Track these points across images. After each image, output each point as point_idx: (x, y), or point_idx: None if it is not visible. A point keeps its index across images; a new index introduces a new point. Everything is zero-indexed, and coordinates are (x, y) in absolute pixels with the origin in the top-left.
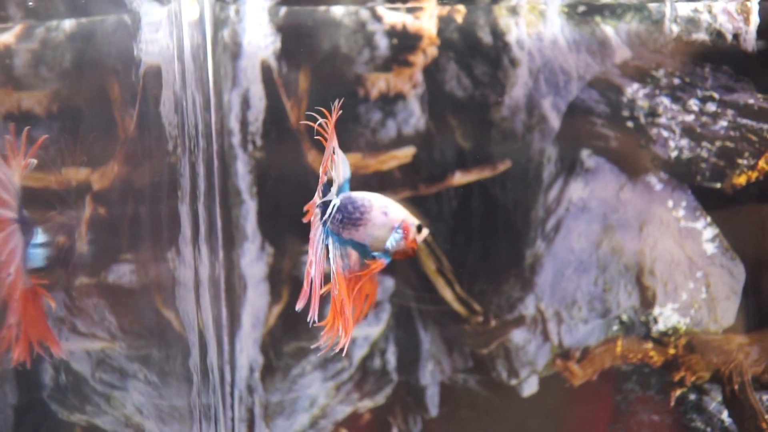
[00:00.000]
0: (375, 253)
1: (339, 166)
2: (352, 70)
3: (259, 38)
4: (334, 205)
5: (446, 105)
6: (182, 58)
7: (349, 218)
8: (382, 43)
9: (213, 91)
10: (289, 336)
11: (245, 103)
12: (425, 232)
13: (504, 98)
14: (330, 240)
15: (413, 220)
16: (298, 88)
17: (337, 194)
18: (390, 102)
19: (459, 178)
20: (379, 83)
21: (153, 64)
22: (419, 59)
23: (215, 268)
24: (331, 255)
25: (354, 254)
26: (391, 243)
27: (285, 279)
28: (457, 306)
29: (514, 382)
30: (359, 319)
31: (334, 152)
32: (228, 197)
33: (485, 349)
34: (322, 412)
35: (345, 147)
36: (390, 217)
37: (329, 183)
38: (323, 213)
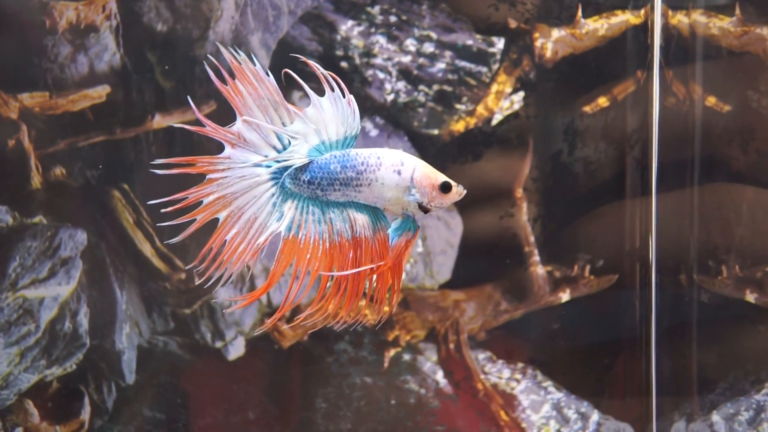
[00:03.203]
0: (396, 221)
1: (325, 118)
2: None
3: None
4: (293, 165)
5: (144, 39)
6: None
7: (335, 179)
8: None
9: None
10: None
11: None
12: (456, 191)
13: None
14: (293, 203)
15: (435, 179)
16: None
17: (318, 152)
18: (80, 35)
19: (159, 121)
20: (67, 13)
21: None
22: None
23: None
24: (307, 221)
25: (360, 218)
26: (410, 206)
27: None
28: (157, 262)
29: (219, 344)
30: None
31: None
32: None
33: (188, 309)
34: (3, 382)
35: (30, 85)
36: (403, 176)
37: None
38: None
